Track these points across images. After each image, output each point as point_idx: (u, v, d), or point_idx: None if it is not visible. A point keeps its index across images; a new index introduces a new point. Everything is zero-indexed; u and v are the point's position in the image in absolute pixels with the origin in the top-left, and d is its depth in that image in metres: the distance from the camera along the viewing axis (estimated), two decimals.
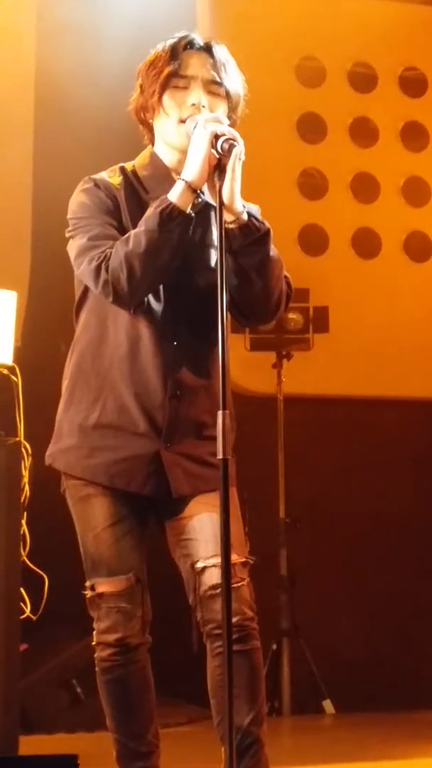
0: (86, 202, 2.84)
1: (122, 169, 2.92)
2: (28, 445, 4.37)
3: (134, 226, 2.77)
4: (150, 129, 2.91)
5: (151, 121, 2.89)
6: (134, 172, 2.91)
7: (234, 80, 2.86)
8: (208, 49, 2.85)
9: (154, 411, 2.81)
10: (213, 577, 2.68)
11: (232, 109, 2.86)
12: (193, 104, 2.79)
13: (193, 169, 2.70)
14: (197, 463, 2.82)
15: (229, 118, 2.84)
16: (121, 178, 2.89)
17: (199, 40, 2.86)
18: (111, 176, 2.90)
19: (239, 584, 2.75)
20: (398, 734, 5.29)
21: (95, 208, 2.83)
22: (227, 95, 2.84)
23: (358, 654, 6.33)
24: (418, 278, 7.02)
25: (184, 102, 2.80)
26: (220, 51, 2.86)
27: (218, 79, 2.82)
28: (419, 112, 7.13)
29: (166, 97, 2.82)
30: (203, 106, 2.79)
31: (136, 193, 2.87)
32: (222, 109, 2.83)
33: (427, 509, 6.83)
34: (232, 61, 2.88)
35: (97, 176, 2.90)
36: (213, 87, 2.83)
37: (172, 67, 2.81)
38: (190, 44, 2.84)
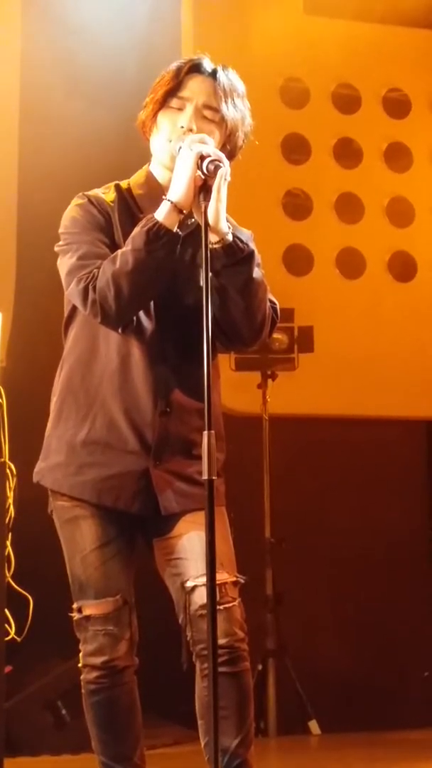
0: (78, 218, 2.85)
1: (117, 187, 2.93)
2: (12, 466, 4.36)
3: (122, 238, 2.78)
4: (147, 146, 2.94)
5: (148, 136, 2.91)
6: (129, 190, 2.92)
7: (235, 109, 2.86)
8: (213, 74, 2.85)
9: (143, 428, 2.81)
10: (203, 596, 2.65)
11: (227, 137, 2.85)
12: (182, 126, 2.80)
13: (177, 190, 2.71)
14: (187, 481, 2.82)
15: (224, 146, 2.84)
16: (114, 195, 2.90)
17: (208, 66, 2.86)
18: (105, 193, 2.91)
19: (230, 604, 2.74)
20: (384, 754, 5.28)
21: (86, 225, 2.83)
22: (223, 122, 2.85)
23: (343, 674, 6.32)
24: (403, 298, 7.04)
25: (174, 123, 2.82)
26: (227, 78, 2.86)
27: (214, 105, 2.83)
28: (403, 132, 7.17)
29: (160, 116, 2.84)
30: (191, 130, 2.79)
31: (129, 210, 2.88)
32: (215, 135, 2.82)
33: (413, 528, 6.84)
34: (242, 90, 2.89)
35: (90, 192, 2.91)
36: (208, 112, 2.83)
37: (170, 87, 2.83)
38: (196, 67, 2.85)
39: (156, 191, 2.88)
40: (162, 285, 2.77)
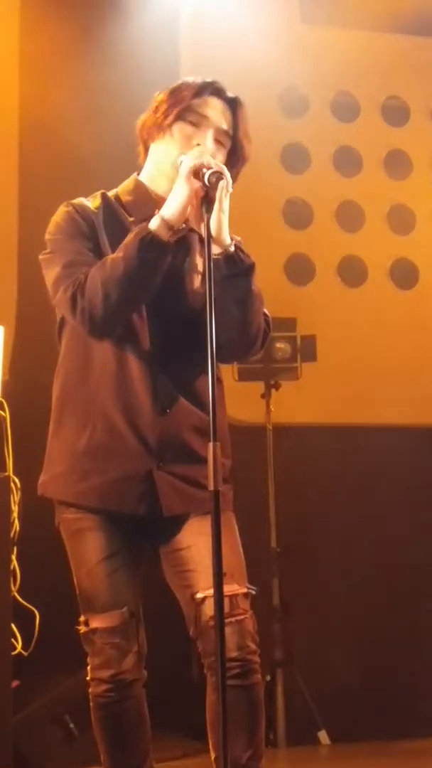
0: (62, 225, 2.86)
1: (103, 195, 2.95)
2: (17, 480, 4.37)
3: (112, 250, 2.78)
4: (147, 150, 2.94)
5: (151, 142, 2.90)
6: (117, 197, 2.93)
7: (246, 140, 2.92)
8: (232, 103, 2.91)
9: (144, 430, 2.80)
10: (213, 608, 2.66)
11: (232, 164, 2.88)
12: (197, 144, 2.82)
13: (171, 208, 2.72)
14: (191, 484, 2.81)
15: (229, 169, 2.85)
16: (99, 201, 2.92)
17: (228, 92, 2.92)
18: (91, 200, 2.92)
19: (242, 617, 2.73)
20: (394, 764, 5.27)
21: (70, 232, 2.84)
22: (239, 151, 2.90)
23: (352, 684, 6.29)
24: (405, 305, 7.03)
25: (190, 138, 2.84)
26: (243, 110, 2.92)
27: (229, 132, 2.88)
28: (402, 140, 7.17)
29: (175, 127, 2.86)
30: (206, 149, 2.81)
31: (115, 215, 2.89)
32: (221, 158, 2.85)
33: (419, 536, 6.81)
34: (249, 124, 2.93)
35: (75, 201, 2.92)
36: (222, 137, 2.88)
37: (194, 101, 2.85)
38: (217, 91, 2.90)
39: (144, 198, 2.89)
40: (149, 294, 2.77)
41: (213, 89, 2.89)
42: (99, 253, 2.81)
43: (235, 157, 2.91)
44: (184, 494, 2.80)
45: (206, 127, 2.86)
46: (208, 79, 2.92)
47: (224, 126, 2.88)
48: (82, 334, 2.84)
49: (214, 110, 2.87)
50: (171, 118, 2.85)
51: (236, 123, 2.89)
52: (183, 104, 2.85)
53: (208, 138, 2.85)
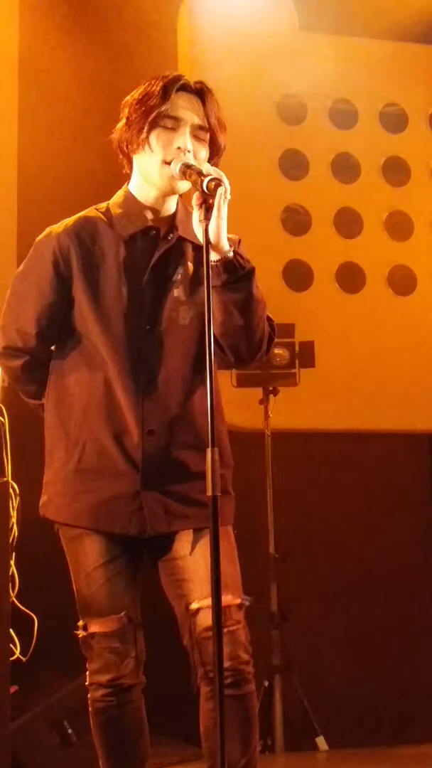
0: (29, 263, 2.97)
1: (91, 211, 2.96)
2: (15, 485, 4.37)
3: (88, 266, 2.84)
4: (130, 161, 2.94)
5: (132, 155, 2.91)
6: (108, 210, 2.94)
7: (220, 128, 2.88)
8: (199, 93, 2.87)
9: (132, 450, 2.81)
10: (208, 618, 2.65)
11: (214, 154, 2.88)
12: (179, 147, 2.81)
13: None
14: (183, 501, 2.81)
15: (211, 159, 2.86)
16: (78, 217, 2.94)
17: (193, 83, 2.88)
18: (72, 221, 2.94)
19: (235, 627, 2.74)
20: None
21: (30, 275, 2.95)
22: (212, 141, 2.87)
23: (350, 690, 6.29)
24: (403, 311, 7.04)
25: (170, 143, 2.83)
26: (213, 98, 2.88)
27: (205, 125, 2.85)
28: (400, 147, 7.19)
29: (152, 136, 2.84)
30: (188, 151, 2.81)
31: (97, 228, 2.90)
32: (204, 153, 2.85)
33: (418, 542, 6.82)
34: (220, 110, 2.90)
35: (55, 227, 2.95)
36: (199, 132, 2.85)
37: (163, 108, 2.82)
38: (183, 86, 2.86)
39: (134, 210, 2.90)
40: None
41: (178, 86, 2.85)
42: (61, 284, 2.88)
43: (213, 149, 2.88)
44: (173, 513, 2.81)
45: (182, 128, 2.83)
46: (171, 74, 2.88)
47: (198, 121, 2.84)
48: (73, 356, 2.90)
49: (185, 108, 2.84)
50: (145, 131, 2.83)
51: (207, 113, 2.86)
52: (152, 113, 2.82)
53: (187, 140, 2.82)
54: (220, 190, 2.64)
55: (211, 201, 2.65)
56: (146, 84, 2.87)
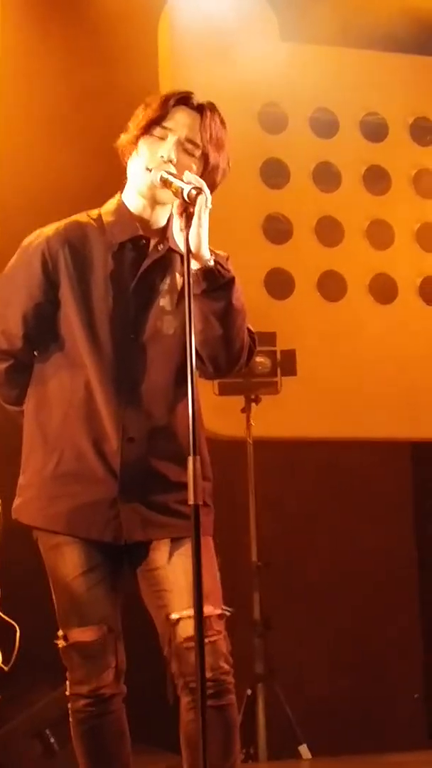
0: (15, 265, 2.95)
1: (83, 216, 2.95)
2: None
3: (76, 271, 2.83)
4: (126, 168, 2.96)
5: (126, 160, 2.92)
6: (99, 217, 2.94)
7: (217, 148, 2.89)
8: (200, 109, 2.88)
9: (110, 457, 2.81)
10: (188, 628, 2.65)
11: (207, 172, 2.87)
12: (162, 156, 2.82)
13: None
14: (159, 511, 2.81)
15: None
16: (69, 221, 2.93)
17: (196, 101, 2.89)
18: (64, 224, 2.92)
19: (215, 638, 2.73)
20: None
21: (16, 278, 2.92)
22: (205, 159, 2.87)
23: (333, 698, 6.29)
24: (384, 320, 7.05)
25: (154, 151, 2.84)
26: (214, 117, 2.89)
27: (197, 140, 2.86)
28: (381, 156, 7.20)
29: (141, 142, 2.86)
30: (171, 161, 2.81)
31: (87, 234, 2.90)
32: (192, 168, 2.83)
33: (399, 550, 6.83)
34: (224, 133, 2.92)
35: (45, 229, 2.93)
36: (190, 146, 2.86)
37: (155, 115, 2.85)
38: (183, 100, 2.88)
39: (125, 218, 2.90)
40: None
41: (178, 99, 2.88)
42: (49, 287, 2.86)
43: (204, 165, 2.88)
44: (148, 521, 2.81)
45: (170, 138, 2.85)
46: (178, 90, 2.90)
47: (189, 134, 2.86)
48: (53, 361, 2.89)
49: (179, 119, 2.86)
50: (136, 136, 2.86)
51: (202, 129, 2.87)
52: (148, 119, 2.86)
53: (171, 150, 2.83)
54: (200, 199, 2.65)
55: (191, 210, 2.66)
56: (156, 94, 2.92)
